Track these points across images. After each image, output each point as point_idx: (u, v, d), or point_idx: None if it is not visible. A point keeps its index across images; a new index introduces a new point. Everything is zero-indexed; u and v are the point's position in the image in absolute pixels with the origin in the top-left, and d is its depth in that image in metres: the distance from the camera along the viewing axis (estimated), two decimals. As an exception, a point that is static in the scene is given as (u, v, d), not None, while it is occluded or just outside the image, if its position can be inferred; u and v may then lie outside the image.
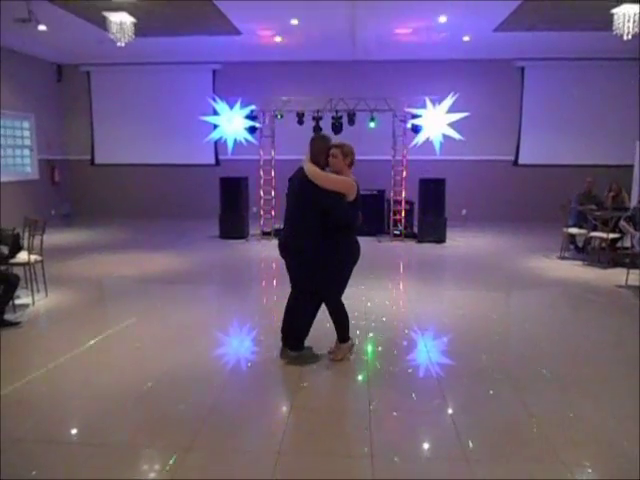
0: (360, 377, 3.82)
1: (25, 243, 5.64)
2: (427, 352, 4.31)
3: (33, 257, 5.53)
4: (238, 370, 4.01)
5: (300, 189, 3.83)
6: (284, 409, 3.33)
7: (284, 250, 4.01)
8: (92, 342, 4.42)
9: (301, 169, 3.86)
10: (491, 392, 3.55)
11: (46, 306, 5.45)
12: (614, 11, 7.11)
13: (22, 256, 5.46)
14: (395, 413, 3.30)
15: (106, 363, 3.99)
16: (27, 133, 11.39)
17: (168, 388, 3.58)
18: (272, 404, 3.43)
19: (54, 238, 9.26)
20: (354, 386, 3.73)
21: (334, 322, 4.05)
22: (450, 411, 3.29)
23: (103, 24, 7.83)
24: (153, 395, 3.47)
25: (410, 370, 3.99)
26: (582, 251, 8.20)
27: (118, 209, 12.35)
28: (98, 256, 8.10)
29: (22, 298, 5.50)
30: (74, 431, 3.10)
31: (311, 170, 3.77)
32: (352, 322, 4.49)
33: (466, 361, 4.10)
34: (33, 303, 5.43)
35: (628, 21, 6.96)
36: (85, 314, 5.27)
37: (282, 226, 4.18)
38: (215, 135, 10.21)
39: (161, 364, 3.96)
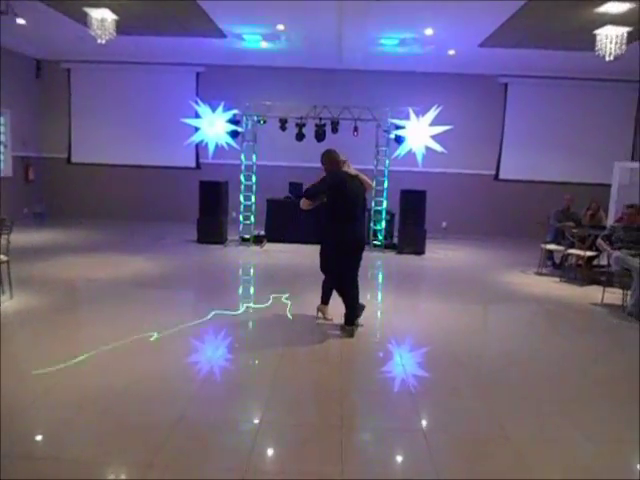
0: (330, 387, 3.72)
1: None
2: (402, 364, 4.23)
3: (-2, 256, 5.32)
4: (210, 378, 3.88)
5: (359, 191, 4.80)
6: (255, 422, 3.21)
7: (359, 244, 4.89)
8: (57, 348, 4.24)
9: (348, 175, 4.76)
10: (465, 408, 3.48)
11: (11, 308, 5.23)
12: (597, 32, 7.22)
13: (-14, 255, 5.26)
14: (368, 428, 3.21)
15: (71, 370, 3.80)
16: (2, 129, 11.07)
17: (135, 398, 3.42)
18: (240, 417, 3.31)
19: (25, 238, 8.99)
20: (325, 399, 3.62)
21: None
22: (423, 426, 3.20)
23: (84, 20, 7.67)
24: (119, 406, 3.31)
25: (385, 382, 3.91)
26: (559, 267, 8.25)
27: (94, 209, 12.08)
28: (70, 257, 7.85)
29: (-15, 298, 5.28)
30: (33, 444, 2.91)
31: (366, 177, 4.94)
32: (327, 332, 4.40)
33: (442, 375, 4.03)
34: (-4, 304, 5.22)
35: (610, 42, 7.08)
36: (52, 318, 5.05)
37: (346, 225, 4.76)
38: (196, 138, 10.07)
39: (130, 372, 3.80)
